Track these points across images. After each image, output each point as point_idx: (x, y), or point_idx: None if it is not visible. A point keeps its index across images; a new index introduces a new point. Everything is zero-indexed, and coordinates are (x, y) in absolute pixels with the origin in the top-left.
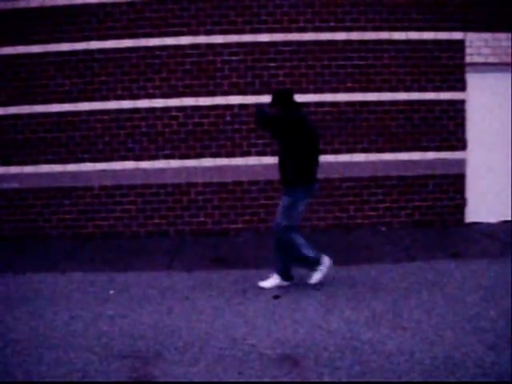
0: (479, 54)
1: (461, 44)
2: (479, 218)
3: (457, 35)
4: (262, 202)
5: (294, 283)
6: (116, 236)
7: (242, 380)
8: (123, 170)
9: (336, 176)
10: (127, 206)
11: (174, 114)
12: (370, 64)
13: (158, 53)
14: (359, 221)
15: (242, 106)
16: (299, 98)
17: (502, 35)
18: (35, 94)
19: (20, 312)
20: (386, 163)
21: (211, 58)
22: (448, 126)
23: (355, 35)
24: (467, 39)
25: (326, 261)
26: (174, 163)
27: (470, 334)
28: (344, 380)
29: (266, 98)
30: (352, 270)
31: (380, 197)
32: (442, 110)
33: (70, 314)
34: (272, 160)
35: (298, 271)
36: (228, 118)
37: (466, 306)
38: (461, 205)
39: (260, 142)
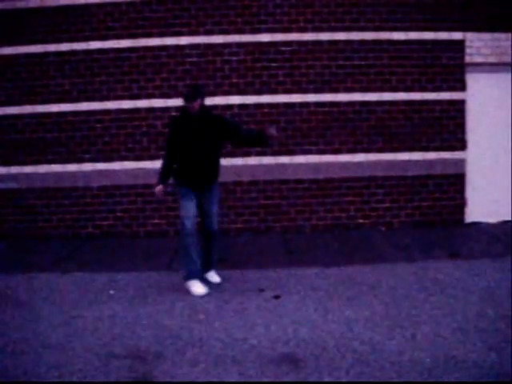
0: (479, 54)
1: (461, 44)
2: (479, 218)
3: (457, 35)
4: (262, 202)
5: (294, 283)
6: (116, 236)
7: (242, 380)
8: (123, 170)
9: (336, 176)
10: (127, 206)
11: (174, 114)
12: (370, 64)
13: (157, 53)
14: (359, 221)
15: (242, 106)
16: (299, 98)
17: (502, 35)
18: (35, 94)
19: (20, 312)
20: (386, 163)
21: (211, 58)
22: (448, 126)
23: (355, 35)
24: (467, 39)
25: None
26: None
27: (470, 334)
28: (344, 380)
29: (266, 98)
30: (352, 270)
31: (380, 197)
32: (441, 109)
33: (70, 314)
34: (272, 160)
35: (297, 271)
36: None
37: (466, 305)
38: (461, 205)
39: None
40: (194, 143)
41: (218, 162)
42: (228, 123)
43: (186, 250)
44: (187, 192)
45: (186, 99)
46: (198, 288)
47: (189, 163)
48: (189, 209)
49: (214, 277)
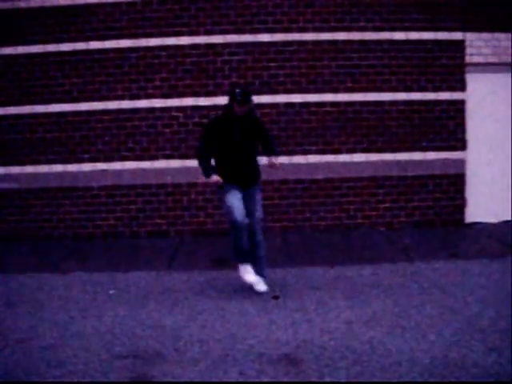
0: (479, 54)
1: (461, 44)
2: (479, 218)
3: (457, 35)
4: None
5: (294, 283)
6: (116, 236)
7: (241, 380)
8: (123, 170)
9: (336, 176)
10: (127, 206)
11: (174, 114)
12: (370, 64)
13: (157, 53)
14: (359, 221)
15: None
16: (300, 98)
17: (502, 35)
18: (35, 94)
19: (20, 312)
20: (386, 163)
21: (211, 57)
22: (448, 126)
23: (355, 35)
24: (467, 39)
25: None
26: (174, 163)
27: (470, 334)
28: (344, 380)
29: (266, 98)
30: (352, 269)
31: (380, 197)
32: (441, 109)
33: (70, 314)
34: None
35: (297, 271)
36: None
37: (466, 305)
38: (461, 205)
39: None
40: (237, 142)
41: (256, 162)
42: (265, 129)
43: (234, 241)
44: (231, 188)
45: (240, 103)
46: (249, 276)
47: (232, 161)
48: (234, 201)
49: (259, 284)
